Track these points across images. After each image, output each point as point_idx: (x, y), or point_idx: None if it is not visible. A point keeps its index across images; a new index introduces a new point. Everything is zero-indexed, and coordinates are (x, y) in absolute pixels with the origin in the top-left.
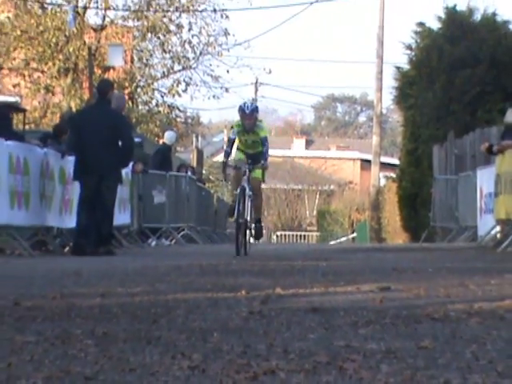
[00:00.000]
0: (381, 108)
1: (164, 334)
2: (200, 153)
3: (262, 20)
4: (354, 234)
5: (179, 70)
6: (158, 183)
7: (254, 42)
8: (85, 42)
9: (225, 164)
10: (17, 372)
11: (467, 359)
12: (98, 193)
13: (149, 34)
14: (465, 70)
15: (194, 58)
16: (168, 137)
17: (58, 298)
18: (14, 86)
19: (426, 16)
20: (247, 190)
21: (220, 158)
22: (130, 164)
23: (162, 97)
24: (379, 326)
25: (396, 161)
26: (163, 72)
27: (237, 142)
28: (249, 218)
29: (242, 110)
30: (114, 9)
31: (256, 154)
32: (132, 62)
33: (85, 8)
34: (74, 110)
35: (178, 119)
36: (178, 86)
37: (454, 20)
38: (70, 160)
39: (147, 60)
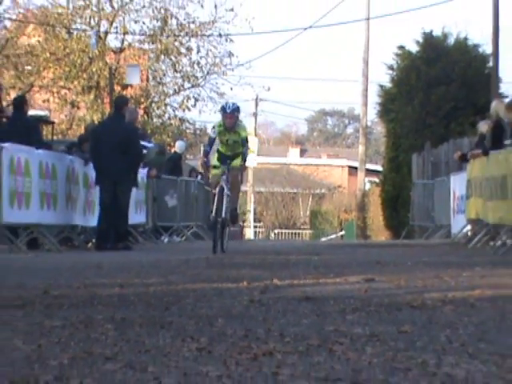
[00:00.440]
0: (366, 121)
1: (175, 319)
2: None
3: (262, 43)
4: (343, 232)
5: (189, 88)
6: (170, 187)
7: (255, 63)
8: (106, 63)
9: (205, 163)
10: (46, 352)
11: (442, 342)
12: (114, 196)
13: (162, 56)
14: (440, 88)
15: (201, 77)
16: (179, 146)
17: (82, 288)
18: (44, 102)
19: (405, 40)
20: (225, 189)
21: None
22: (146, 169)
23: (174, 111)
24: (364, 313)
25: (379, 167)
26: (174, 89)
27: (217, 142)
28: (224, 216)
29: (223, 109)
30: (131, 33)
31: (235, 154)
32: (147, 80)
33: (106, 33)
34: (96, 122)
35: (188, 131)
36: (187, 101)
37: (431, 44)
38: (92, 166)
39: (160, 79)
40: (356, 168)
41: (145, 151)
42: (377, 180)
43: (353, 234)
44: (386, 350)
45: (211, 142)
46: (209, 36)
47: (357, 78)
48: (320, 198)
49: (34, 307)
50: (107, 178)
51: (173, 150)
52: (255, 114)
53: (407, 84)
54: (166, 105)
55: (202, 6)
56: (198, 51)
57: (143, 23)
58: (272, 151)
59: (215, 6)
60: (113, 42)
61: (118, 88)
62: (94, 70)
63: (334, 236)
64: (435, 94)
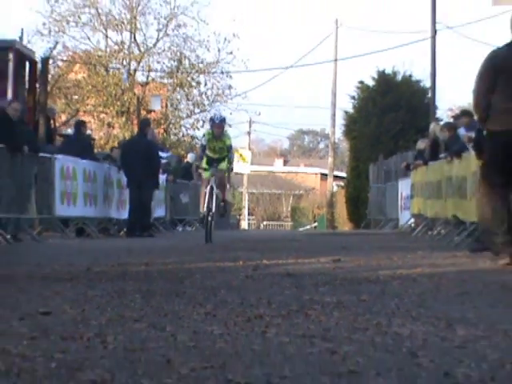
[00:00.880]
0: (334, 138)
1: (187, 290)
2: None
3: (254, 78)
4: (316, 224)
5: (198, 113)
6: (183, 188)
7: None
8: (134, 93)
9: (197, 167)
10: (88, 315)
11: (392, 308)
12: (139, 196)
13: (177, 88)
14: (390, 113)
15: (208, 104)
16: (190, 157)
17: (116, 266)
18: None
19: (364, 76)
20: (215, 189)
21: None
22: (165, 175)
23: (186, 130)
24: (332, 286)
25: (344, 174)
26: (187, 113)
27: (207, 148)
28: (214, 211)
29: (212, 120)
30: (154, 71)
31: (221, 158)
32: (166, 106)
33: (135, 70)
34: (126, 139)
35: (197, 145)
36: (197, 123)
37: (383, 79)
38: (123, 173)
39: (176, 106)
40: (326, 175)
41: (165, 160)
42: (342, 184)
43: (324, 225)
44: (349, 314)
45: (204, 148)
46: (213, 73)
47: (327, 106)
48: (298, 198)
49: (79, 280)
50: (134, 182)
51: (185, 160)
52: (249, 133)
53: (365, 110)
54: (180, 126)
55: (208, 50)
56: (205, 84)
57: (163, 63)
58: (262, 161)
59: (218, 50)
60: (140, 77)
61: (143, 112)
62: (125, 98)
63: (309, 227)
64: (387, 118)
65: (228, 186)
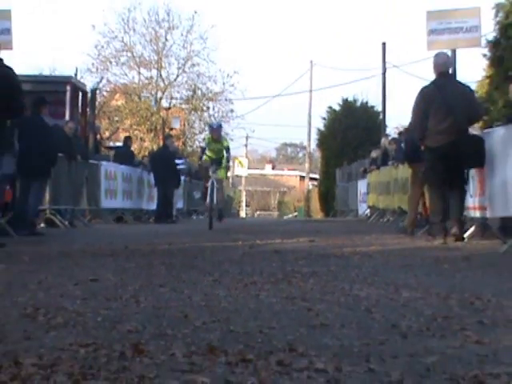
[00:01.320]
0: (310, 149)
1: (199, 263)
2: None
3: (250, 104)
4: (296, 213)
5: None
6: (196, 187)
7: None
8: (160, 115)
9: (200, 165)
10: (125, 282)
11: (353, 277)
12: (164, 193)
13: (192, 112)
14: (351, 131)
15: None
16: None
17: (146, 245)
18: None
19: (332, 103)
20: (215, 183)
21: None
22: (183, 177)
23: (199, 143)
24: (309, 260)
25: (318, 176)
26: (199, 131)
27: (207, 149)
28: (215, 202)
29: (211, 126)
30: (175, 98)
31: (219, 158)
32: (184, 125)
33: (160, 98)
34: (154, 150)
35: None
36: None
37: (346, 105)
38: (152, 176)
39: (191, 125)
40: (304, 177)
41: (182, 166)
42: (316, 183)
43: (302, 215)
44: (321, 281)
45: (203, 149)
46: (219, 100)
47: (305, 125)
48: (283, 194)
49: (118, 256)
50: (160, 182)
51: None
52: (246, 145)
53: (333, 128)
54: (194, 140)
55: (215, 83)
56: (213, 109)
57: (182, 93)
58: (256, 166)
59: (223, 83)
60: (164, 103)
61: (167, 130)
62: (153, 119)
63: (291, 216)
64: (349, 134)
65: (224, 183)
